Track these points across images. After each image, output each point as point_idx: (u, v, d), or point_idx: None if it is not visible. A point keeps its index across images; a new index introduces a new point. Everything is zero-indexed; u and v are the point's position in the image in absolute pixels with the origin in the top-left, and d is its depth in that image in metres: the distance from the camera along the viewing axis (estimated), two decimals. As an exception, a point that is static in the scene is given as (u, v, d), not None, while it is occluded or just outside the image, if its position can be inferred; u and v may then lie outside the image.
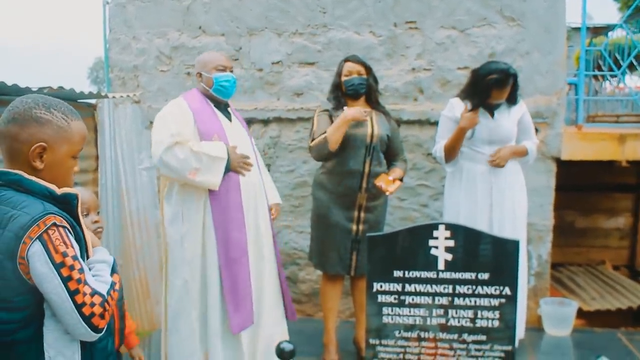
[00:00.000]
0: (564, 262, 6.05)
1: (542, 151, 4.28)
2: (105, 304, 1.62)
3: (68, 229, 1.62)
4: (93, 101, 4.14)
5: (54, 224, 1.57)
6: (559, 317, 4.22)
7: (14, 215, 1.57)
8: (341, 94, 3.60)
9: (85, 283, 1.59)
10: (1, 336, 1.60)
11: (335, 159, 3.53)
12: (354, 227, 3.57)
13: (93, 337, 1.63)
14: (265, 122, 4.56)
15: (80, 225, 1.72)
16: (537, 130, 4.23)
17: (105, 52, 5.00)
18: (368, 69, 3.60)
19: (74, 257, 1.58)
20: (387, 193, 3.42)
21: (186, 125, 2.99)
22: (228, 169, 3.02)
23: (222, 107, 3.21)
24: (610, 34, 6.21)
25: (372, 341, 2.78)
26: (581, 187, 6.00)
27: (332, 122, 3.48)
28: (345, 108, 3.48)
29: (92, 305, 1.59)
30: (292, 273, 4.65)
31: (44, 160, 1.65)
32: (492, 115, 3.64)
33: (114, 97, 4.18)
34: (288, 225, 4.58)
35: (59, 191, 1.67)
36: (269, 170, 4.57)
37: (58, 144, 1.66)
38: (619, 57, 5.68)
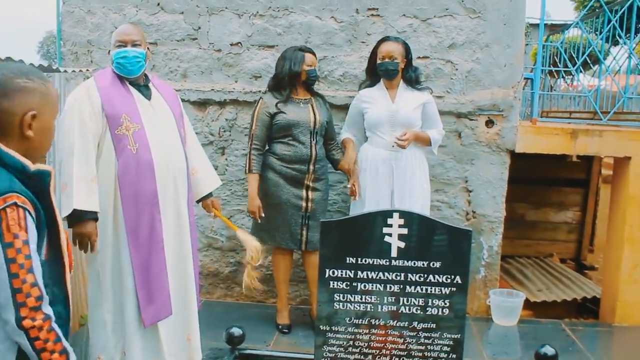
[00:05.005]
0: (514, 254, 6.17)
1: (497, 143, 4.33)
2: (42, 302, 1.55)
3: (29, 212, 1.57)
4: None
5: (15, 204, 1.53)
6: (507, 307, 4.29)
7: None
8: (293, 81, 3.82)
9: (29, 271, 1.53)
10: None
11: (283, 146, 3.81)
12: (303, 205, 3.84)
13: (14, 329, 1.53)
14: (222, 104, 4.47)
15: (52, 203, 1.68)
16: (493, 122, 4.29)
17: (58, 25, 4.82)
18: None
19: (25, 242, 1.53)
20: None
21: (92, 115, 2.80)
22: (76, 220, 2.76)
23: (141, 84, 2.99)
24: (566, 32, 6.33)
25: (322, 328, 2.76)
26: (532, 180, 6.13)
27: (271, 120, 3.77)
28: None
29: (28, 295, 1.52)
30: (244, 259, 4.58)
31: (32, 128, 1.63)
32: (393, 100, 3.81)
33: (65, 71, 4.03)
34: (241, 209, 4.52)
35: (32, 167, 1.63)
36: (223, 154, 4.51)
37: (44, 109, 1.66)
38: (573, 55, 5.80)
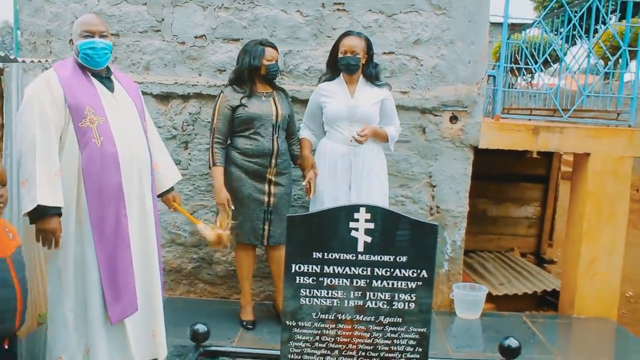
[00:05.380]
0: (476, 248, 6.26)
1: (461, 139, 4.37)
2: None
3: None
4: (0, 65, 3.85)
5: None
6: (470, 301, 4.35)
7: None
8: (253, 75, 3.82)
9: None
10: None
11: (245, 140, 3.81)
12: (265, 199, 3.85)
13: None
14: (185, 97, 4.40)
15: None
16: (456, 118, 4.33)
17: (15, 14, 4.66)
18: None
19: None
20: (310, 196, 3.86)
21: (54, 106, 2.71)
22: (39, 216, 2.68)
23: (103, 76, 2.92)
24: (527, 31, 6.44)
25: (288, 323, 2.74)
26: (493, 176, 6.22)
27: (232, 114, 3.77)
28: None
29: None
30: (207, 254, 4.54)
31: None
32: (352, 95, 3.82)
33: (23, 61, 3.90)
34: (204, 204, 4.46)
35: None
36: (186, 148, 4.44)
37: None
38: (534, 53, 5.90)
